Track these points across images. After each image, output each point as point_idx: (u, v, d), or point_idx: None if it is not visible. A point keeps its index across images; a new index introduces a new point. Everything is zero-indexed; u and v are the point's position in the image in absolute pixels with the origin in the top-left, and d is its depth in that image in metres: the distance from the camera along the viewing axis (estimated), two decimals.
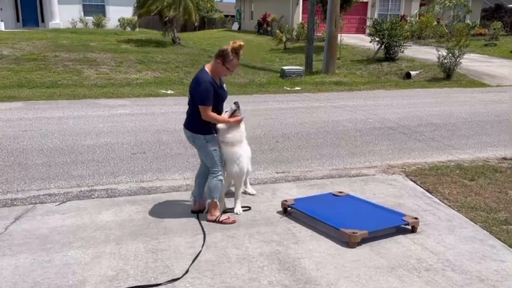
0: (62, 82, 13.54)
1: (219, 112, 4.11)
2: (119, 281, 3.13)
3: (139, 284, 3.08)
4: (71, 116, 9.07)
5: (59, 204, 4.68)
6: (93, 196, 4.93)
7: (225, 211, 4.38)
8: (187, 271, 3.24)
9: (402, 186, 5.27)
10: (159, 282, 3.09)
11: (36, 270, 3.27)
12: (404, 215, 4.09)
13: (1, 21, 24.97)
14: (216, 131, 4.13)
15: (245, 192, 4.88)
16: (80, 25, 26.91)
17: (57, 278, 3.17)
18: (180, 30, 32.18)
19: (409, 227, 3.98)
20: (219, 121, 4.07)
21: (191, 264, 3.34)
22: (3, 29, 24.12)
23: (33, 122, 8.44)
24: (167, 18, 19.95)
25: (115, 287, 3.05)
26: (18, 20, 27.38)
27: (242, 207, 4.45)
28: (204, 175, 4.33)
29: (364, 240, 3.70)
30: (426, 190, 5.14)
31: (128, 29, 26.76)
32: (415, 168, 5.98)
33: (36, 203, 4.69)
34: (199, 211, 4.34)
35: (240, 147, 4.27)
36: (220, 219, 4.14)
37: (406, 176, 5.67)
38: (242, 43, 3.93)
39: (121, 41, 19.91)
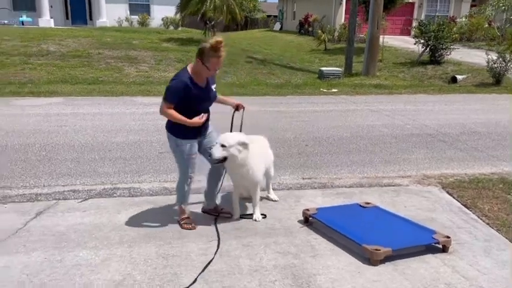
0: (103, 79, 13.83)
1: (199, 113, 3.80)
2: (124, 286, 3.04)
3: None
4: (105, 112, 9.22)
5: (81, 201, 4.68)
6: (115, 195, 4.90)
7: (242, 216, 4.23)
8: (194, 281, 3.10)
9: (437, 199, 4.91)
10: None
11: (45, 270, 3.23)
12: (435, 232, 3.76)
13: (51, 18, 26.05)
14: (196, 135, 3.88)
15: (267, 198, 4.69)
16: (125, 24, 27.68)
17: (64, 279, 3.12)
18: (222, 30, 32.45)
19: (440, 246, 3.65)
20: (175, 119, 3.74)
21: (200, 274, 3.20)
22: (53, 26, 25.15)
23: (69, 118, 8.63)
24: (209, 19, 20.10)
25: None
26: (67, 18, 28.49)
27: (249, 214, 4.31)
28: (213, 175, 4.21)
29: (388, 258, 3.42)
30: (463, 205, 4.76)
31: (171, 27, 27.22)
32: (453, 180, 5.58)
33: (59, 199, 4.72)
34: (210, 211, 4.27)
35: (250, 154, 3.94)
36: (181, 223, 4.05)
37: (443, 188, 5.29)
38: (220, 39, 3.62)
39: (162, 40, 20.23)
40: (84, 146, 6.76)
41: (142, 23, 27.66)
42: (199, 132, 3.91)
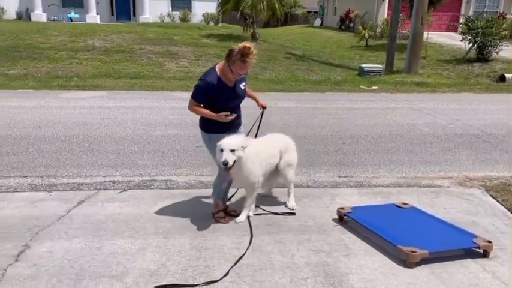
0: (145, 74, 14.18)
1: (230, 110, 3.78)
2: (158, 276, 3.11)
3: (177, 282, 3.03)
4: (146, 106, 9.45)
5: (120, 192, 4.83)
6: (152, 186, 5.02)
7: (276, 213, 4.23)
8: (226, 274, 3.13)
9: (479, 203, 4.72)
10: (196, 283, 3.02)
11: (85, 257, 3.36)
12: (476, 237, 3.62)
13: (97, 14, 26.95)
14: (226, 129, 3.82)
15: (285, 206, 4.45)
16: (167, 20, 28.22)
17: (102, 266, 3.23)
18: (262, 26, 32.46)
19: (480, 251, 3.51)
20: (202, 114, 3.82)
21: (232, 267, 3.23)
22: (99, 22, 26.02)
23: (111, 111, 8.91)
24: (248, 15, 20.17)
25: (153, 282, 3.02)
26: (112, 14, 29.40)
27: (286, 213, 4.26)
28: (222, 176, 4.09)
29: (424, 261, 3.32)
30: (508, 209, 4.54)
31: (211, 23, 27.52)
32: (497, 182, 5.33)
33: (100, 189, 4.88)
34: (219, 211, 4.15)
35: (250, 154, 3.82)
36: (215, 216, 4.07)
37: (486, 191, 5.07)
38: (249, 45, 3.59)
39: (203, 36, 20.50)
40: (124, 139, 6.96)
41: (184, 19, 28.10)
42: (229, 126, 3.87)
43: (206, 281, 3.05)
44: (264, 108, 4.33)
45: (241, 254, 3.42)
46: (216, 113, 3.74)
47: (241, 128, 4.18)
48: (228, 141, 3.68)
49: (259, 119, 4.36)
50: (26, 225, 3.87)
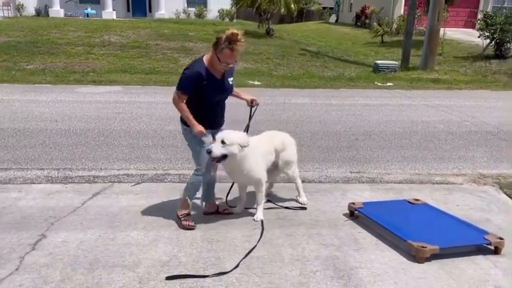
0: (159, 69, 14.31)
1: (212, 105, 3.71)
2: (169, 267, 3.17)
3: (188, 273, 3.08)
4: (160, 101, 9.54)
5: (134, 185, 4.91)
6: (165, 180, 5.09)
7: (287, 207, 4.25)
8: (237, 266, 3.18)
9: (493, 200, 4.67)
10: (207, 274, 3.07)
11: (99, 247, 3.44)
12: (488, 233, 3.59)
13: (113, 10, 27.23)
14: (207, 126, 3.66)
15: (296, 200, 4.47)
16: (182, 16, 28.34)
17: (116, 256, 3.31)
18: (277, 22, 32.38)
19: (492, 248, 3.48)
20: (183, 112, 3.63)
21: (242, 259, 3.27)
22: (115, 18, 26.28)
23: (126, 106, 9.03)
24: (264, 11, 20.17)
25: (165, 273, 3.08)
26: (128, 10, 29.65)
27: (297, 207, 4.29)
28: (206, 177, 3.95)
29: (434, 256, 3.31)
30: None
31: (227, 19, 27.56)
32: None
33: (114, 182, 4.97)
34: (211, 213, 4.09)
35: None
36: (182, 219, 3.84)
37: (500, 188, 5.02)
38: (237, 32, 3.41)
39: (218, 32, 20.48)
40: (139, 133, 7.06)
41: (199, 15, 28.20)
42: (210, 123, 3.73)
43: (216, 272, 3.10)
44: (252, 103, 4.02)
45: (252, 247, 3.46)
46: (200, 109, 3.63)
47: (224, 127, 3.93)
48: (226, 134, 3.58)
49: (250, 114, 4.09)
50: (42, 216, 3.98)
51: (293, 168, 4.34)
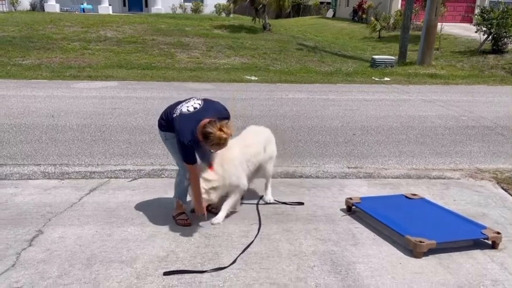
0: (156, 64, 14.23)
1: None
2: (167, 262, 3.17)
3: (185, 269, 3.08)
4: (157, 97, 9.50)
5: (131, 180, 4.90)
6: (163, 175, 5.08)
7: (284, 202, 4.24)
8: (234, 261, 3.18)
9: (490, 195, 4.69)
10: (204, 269, 3.06)
11: (96, 243, 3.43)
12: (485, 228, 3.60)
13: (109, 5, 27.06)
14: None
15: (261, 198, 4.36)
16: (179, 11, 28.19)
17: (113, 252, 3.30)
18: (273, 17, 32.30)
19: (489, 242, 3.50)
20: (197, 189, 3.63)
21: (240, 255, 3.27)
22: (111, 13, 26.12)
23: (123, 101, 8.98)
24: (260, 5, 20.08)
25: (162, 268, 3.08)
26: (124, 5, 29.49)
27: (294, 203, 4.27)
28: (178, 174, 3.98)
29: (432, 251, 3.32)
30: None
31: (223, 14, 27.42)
32: (509, 175, 5.29)
33: (111, 178, 4.96)
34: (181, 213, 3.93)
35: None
36: (176, 219, 3.86)
37: (497, 183, 5.03)
38: (225, 136, 3.38)
39: (214, 27, 20.46)
40: (136, 128, 7.03)
41: (196, 10, 28.06)
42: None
43: (214, 267, 3.09)
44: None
45: (249, 242, 3.46)
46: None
47: None
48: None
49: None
50: (39, 212, 3.96)
51: (272, 165, 4.32)
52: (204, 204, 3.68)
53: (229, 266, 3.12)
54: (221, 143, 3.43)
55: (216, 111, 3.63)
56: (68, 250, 3.30)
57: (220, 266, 3.11)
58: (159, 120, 3.79)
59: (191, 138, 3.44)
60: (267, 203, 4.26)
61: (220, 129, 3.36)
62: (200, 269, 3.08)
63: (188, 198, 3.96)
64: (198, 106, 3.60)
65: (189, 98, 3.75)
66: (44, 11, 25.40)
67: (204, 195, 3.65)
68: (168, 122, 3.65)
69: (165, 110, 3.79)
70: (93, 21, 19.55)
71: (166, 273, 3.01)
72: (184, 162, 3.57)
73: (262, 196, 4.37)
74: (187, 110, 3.57)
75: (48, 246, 3.35)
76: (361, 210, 4.00)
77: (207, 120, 3.43)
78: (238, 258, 3.22)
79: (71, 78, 11.60)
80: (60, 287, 2.84)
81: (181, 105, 3.66)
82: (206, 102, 3.70)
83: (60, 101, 8.79)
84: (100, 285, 2.87)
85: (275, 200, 4.33)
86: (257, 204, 4.23)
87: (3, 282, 2.88)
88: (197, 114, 3.53)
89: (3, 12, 23.86)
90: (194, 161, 3.55)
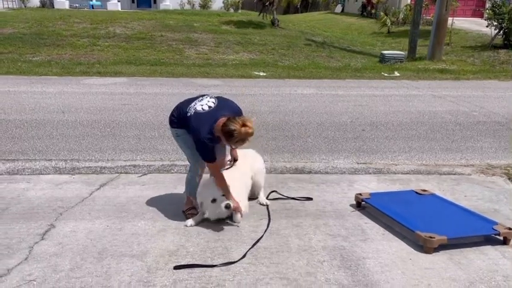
0: (165, 60, 14.29)
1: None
2: (177, 256, 3.19)
3: (196, 263, 3.09)
4: (166, 92, 9.54)
5: (141, 175, 4.93)
6: (172, 171, 5.10)
7: (294, 198, 4.25)
8: (244, 256, 3.18)
9: (501, 191, 4.64)
10: (214, 264, 3.08)
11: (107, 237, 3.46)
12: (496, 223, 3.57)
13: (118, 1, 27.16)
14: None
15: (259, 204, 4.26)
16: (187, 7, 28.23)
17: (123, 246, 3.32)
18: (282, 13, 32.16)
19: (501, 238, 3.47)
20: (223, 181, 3.61)
21: (249, 249, 3.28)
22: (120, 9, 26.22)
23: (132, 97, 9.03)
24: (268, 1, 20.01)
25: (173, 262, 3.10)
26: (133, 1, 29.61)
27: (302, 197, 4.27)
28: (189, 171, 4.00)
29: (442, 247, 3.30)
30: None
31: (231, 10, 27.40)
32: None
33: (121, 173, 4.99)
34: (191, 208, 3.95)
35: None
36: (186, 213, 3.87)
37: (509, 179, 4.99)
38: (251, 131, 3.37)
39: (222, 22, 20.44)
40: (145, 124, 7.06)
41: (204, 6, 28.06)
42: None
43: (224, 262, 3.11)
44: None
45: (259, 237, 3.47)
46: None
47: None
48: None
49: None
50: (50, 206, 4.00)
51: (262, 179, 4.27)
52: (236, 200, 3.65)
53: (238, 260, 3.13)
54: (246, 139, 3.43)
55: (230, 109, 3.63)
56: (79, 244, 3.33)
57: (230, 261, 3.12)
58: (170, 118, 3.80)
59: (209, 136, 3.44)
60: (261, 204, 4.14)
61: (244, 125, 3.36)
62: (210, 263, 3.09)
63: None
64: (212, 105, 3.60)
65: (202, 96, 3.76)
66: (53, 7, 25.59)
67: None
68: (180, 119, 3.66)
69: (177, 107, 3.80)
70: (102, 17, 19.65)
71: (176, 268, 3.03)
72: (204, 160, 3.59)
73: (272, 192, 4.36)
74: (202, 108, 3.57)
75: (60, 240, 3.39)
76: (370, 206, 3.99)
77: (224, 118, 3.43)
78: (248, 252, 3.23)
79: (81, 75, 11.69)
80: (72, 280, 2.88)
81: (194, 103, 3.65)
82: (220, 100, 3.71)
83: (70, 97, 8.87)
84: (111, 279, 2.89)
85: (283, 195, 4.32)
86: (266, 198, 4.23)
87: (17, 275, 2.93)
88: (213, 113, 3.52)
89: (14, 9, 24.06)
90: (214, 159, 3.55)
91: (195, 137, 3.49)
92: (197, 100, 3.69)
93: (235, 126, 3.34)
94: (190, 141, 3.61)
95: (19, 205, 4.03)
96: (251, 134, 3.40)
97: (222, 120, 3.42)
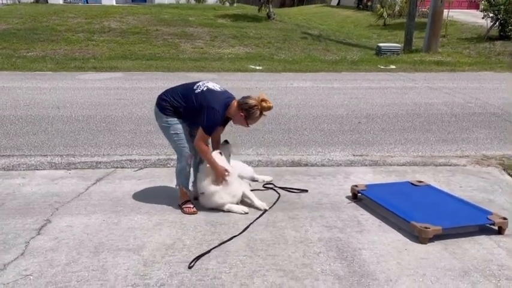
0: (160, 55, 14.21)
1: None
2: (174, 250, 3.19)
3: (192, 256, 3.10)
4: (162, 87, 9.38)
5: (137, 170, 4.92)
6: (168, 165, 5.09)
7: (289, 190, 4.27)
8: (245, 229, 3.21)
9: (496, 181, 4.66)
10: (211, 256, 3.08)
11: (103, 231, 3.46)
12: (491, 213, 3.59)
13: None
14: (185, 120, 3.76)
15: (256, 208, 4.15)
16: (182, 1, 28.01)
17: (120, 240, 3.33)
18: (278, 6, 32.03)
19: (495, 228, 3.49)
20: (210, 158, 3.70)
21: (241, 233, 3.32)
22: (115, 3, 26.05)
23: (128, 92, 9.00)
24: None
25: (169, 256, 3.10)
26: None
27: (298, 189, 4.28)
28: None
29: (437, 237, 3.32)
30: None
31: (227, 4, 27.23)
32: None
33: (117, 167, 4.98)
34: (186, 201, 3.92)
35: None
36: (182, 206, 3.87)
37: (504, 169, 5.01)
38: (271, 104, 3.68)
39: (218, 16, 20.34)
40: (141, 119, 7.05)
41: (199, 0, 27.88)
42: (190, 120, 3.79)
43: (221, 254, 3.11)
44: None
45: (253, 228, 3.48)
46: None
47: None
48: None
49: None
50: (46, 201, 4.00)
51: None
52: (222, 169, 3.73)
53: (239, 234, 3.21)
54: (263, 115, 3.69)
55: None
56: (75, 238, 3.33)
57: (227, 253, 3.12)
58: (160, 104, 3.77)
59: (222, 110, 3.61)
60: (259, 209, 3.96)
61: (263, 100, 3.62)
62: (207, 255, 3.10)
63: (190, 184, 3.99)
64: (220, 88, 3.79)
65: (198, 81, 3.81)
66: (47, 2, 25.37)
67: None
68: (174, 107, 3.69)
69: (169, 91, 3.82)
70: (97, 12, 19.51)
71: (190, 267, 2.96)
72: (204, 129, 3.58)
73: (268, 183, 4.39)
74: (214, 87, 3.73)
75: (56, 235, 3.39)
76: (366, 197, 4.00)
77: (235, 100, 3.70)
78: (245, 245, 3.24)
79: (76, 70, 11.63)
80: (68, 274, 2.88)
81: (202, 83, 3.74)
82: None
83: (65, 93, 8.83)
84: (108, 272, 2.90)
85: (279, 188, 4.33)
86: (262, 186, 4.25)
87: (13, 270, 2.92)
88: (227, 93, 3.77)
89: (7, 4, 23.86)
90: (212, 133, 3.66)
91: (209, 105, 3.56)
92: (199, 82, 3.76)
93: (255, 102, 3.61)
94: (180, 128, 3.71)
95: (15, 201, 4.02)
96: (271, 107, 3.67)
97: (237, 99, 3.70)
